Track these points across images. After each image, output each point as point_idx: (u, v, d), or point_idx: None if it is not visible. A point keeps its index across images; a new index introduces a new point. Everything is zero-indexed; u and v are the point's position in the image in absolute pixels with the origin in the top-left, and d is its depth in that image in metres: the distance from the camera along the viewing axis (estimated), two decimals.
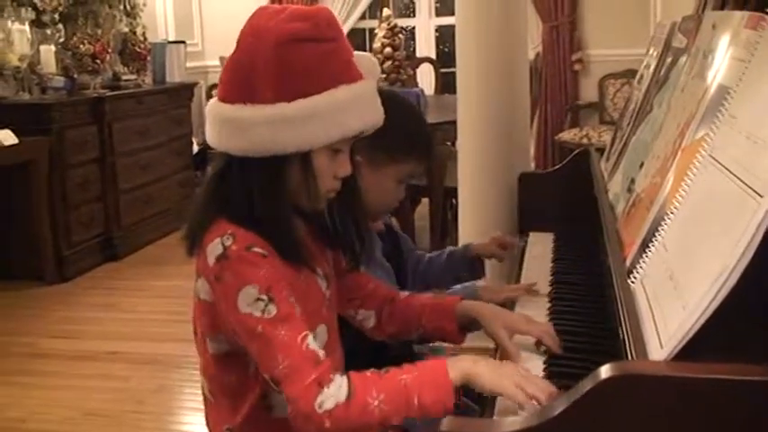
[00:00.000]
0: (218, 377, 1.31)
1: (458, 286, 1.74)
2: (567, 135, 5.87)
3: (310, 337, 1.18)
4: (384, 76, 4.80)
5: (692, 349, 0.84)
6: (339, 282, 1.43)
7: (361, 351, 1.50)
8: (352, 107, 1.21)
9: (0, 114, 4.32)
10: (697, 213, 0.99)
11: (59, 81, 4.74)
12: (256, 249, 1.20)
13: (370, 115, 1.26)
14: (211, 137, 1.25)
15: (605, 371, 0.84)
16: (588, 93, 6.21)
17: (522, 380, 1.11)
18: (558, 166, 2.31)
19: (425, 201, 4.57)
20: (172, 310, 3.93)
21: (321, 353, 1.17)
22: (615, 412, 0.84)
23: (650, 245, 1.10)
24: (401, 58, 4.83)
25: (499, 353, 1.36)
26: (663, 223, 1.08)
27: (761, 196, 0.82)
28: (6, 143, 4.17)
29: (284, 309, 1.18)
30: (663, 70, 1.67)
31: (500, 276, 2.25)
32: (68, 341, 3.71)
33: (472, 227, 2.58)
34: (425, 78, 6.28)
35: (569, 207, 2.08)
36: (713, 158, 1.00)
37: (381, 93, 1.32)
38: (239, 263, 1.19)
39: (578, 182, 2.06)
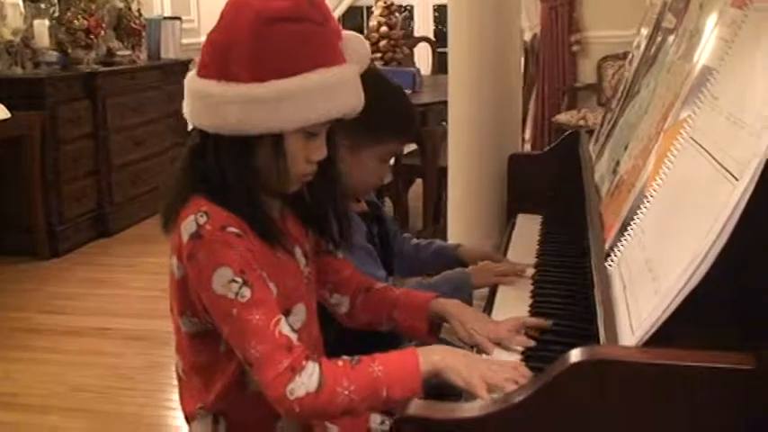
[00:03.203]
0: (191, 355, 1.31)
1: (448, 274, 1.72)
2: (564, 117, 5.84)
3: (283, 322, 1.17)
4: (380, 55, 4.77)
5: (663, 335, 0.83)
6: (317, 263, 1.42)
7: (348, 338, 1.50)
8: (328, 92, 1.19)
9: None
10: (675, 197, 0.97)
11: (53, 56, 4.70)
12: (231, 229, 1.19)
13: (348, 100, 1.24)
14: (186, 111, 1.24)
15: (573, 356, 0.83)
16: (586, 74, 6.17)
17: (491, 374, 1.11)
18: (548, 148, 2.30)
19: (420, 181, 4.55)
20: (163, 287, 3.83)
21: (294, 337, 1.17)
22: (582, 398, 0.83)
23: (629, 228, 1.08)
24: (397, 36, 4.79)
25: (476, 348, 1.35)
26: (642, 206, 1.07)
27: (737, 179, 0.80)
28: None
29: (258, 292, 1.17)
30: (652, 51, 1.65)
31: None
32: (59, 316, 3.71)
33: (461, 209, 2.57)
34: (423, 58, 6.23)
35: (558, 189, 2.07)
36: (694, 141, 0.98)
37: (364, 72, 1.30)
38: (213, 243, 1.18)
39: (568, 164, 2.04)
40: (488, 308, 1.53)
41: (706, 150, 0.92)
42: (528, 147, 5.99)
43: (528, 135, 6.11)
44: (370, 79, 1.35)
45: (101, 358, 3.26)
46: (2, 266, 4.33)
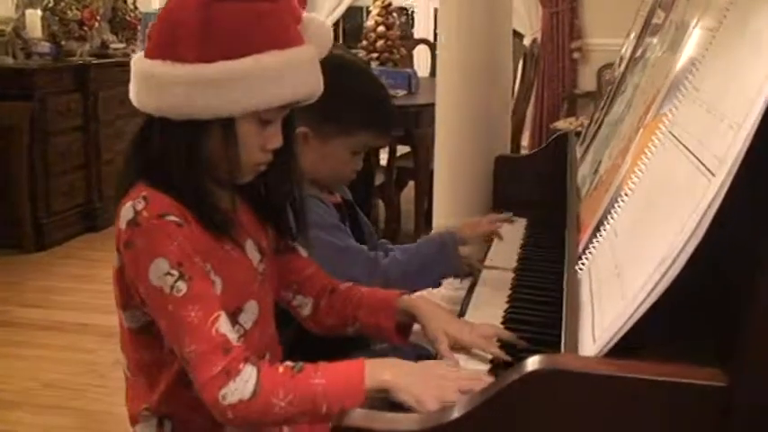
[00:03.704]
0: (134, 353, 1.23)
1: (431, 234, 1.63)
2: (563, 124, 5.76)
3: (223, 320, 1.10)
4: (376, 55, 4.70)
5: (626, 345, 0.74)
6: (278, 261, 1.34)
7: (310, 339, 1.42)
8: (280, 75, 1.12)
9: None
10: (650, 195, 0.90)
11: (45, 47, 4.65)
12: (170, 218, 1.11)
13: (304, 85, 1.16)
14: (131, 94, 1.17)
15: (526, 365, 0.75)
16: (586, 82, 6.10)
17: (443, 392, 1.01)
18: (535, 150, 2.22)
19: (413, 184, 4.47)
20: None
21: (234, 337, 1.10)
22: (533, 411, 0.75)
23: (602, 229, 1.01)
24: (394, 37, 4.71)
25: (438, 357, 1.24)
26: (615, 206, 0.99)
27: (713, 175, 0.72)
28: None
29: (197, 286, 1.10)
30: (640, 51, 1.58)
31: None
32: (40, 311, 3.64)
33: (447, 209, 2.50)
34: (423, 61, 6.16)
35: (544, 192, 1.99)
36: (672, 135, 0.91)
37: (333, 58, 1.23)
38: (150, 231, 1.11)
39: (556, 166, 1.97)
40: (461, 312, 1.45)
41: (684, 145, 0.85)
42: (525, 153, 5.92)
43: (526, 141, 6.04)
44: (338, 67, 1.28)
45: (76, 354, 3.20)
46: None
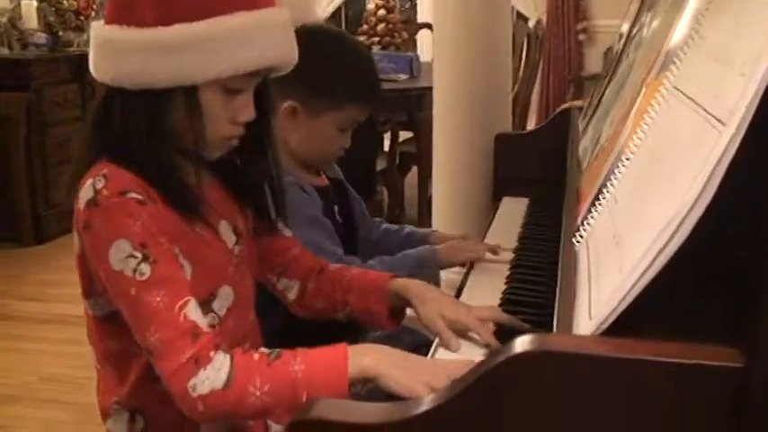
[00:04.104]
0: (101, 343, 1.15)
1: (411, 251, 1.54)
2: (569, 106, 5.66)
3: (192, 305, 1.01)
4: (377, 39, 4.60)
5: (626, 323, 0.65)
6: (259, 243, 1.26)
7: (300, 324, 1.34)
8: (248, 37, 1.03)
9: None
10: (653, 155, 0.81)
11: (41, 37, 4.61)
12: (132, 195, 1.03)
13: (275, 49, 1.07)
14: (90, 63, 1.09)
15: (516, 346, 0.66)
16: (592, 64, 5.98)
17: (436, 379, 0.93)
18: (537, 126, 2.13)
19: (416, 169, 4.39)
20: None
21: (204, 323, 1.01)
22: (523, 397, 0.66)
23: (600, 197, 0.92)
24: (395, 21, 4.61)
25: (436, 344, 1.14)
26: (616, 171, 0.90)
27: (724, 125, 0.63)
28: None
29: (162, 269, 1.01)
30: (637, 27, 1.48)
31: None
32: (39, 304, 3.60)
33: (446, 192, 2.41)
34: (425, 45, 6.06)
35: (547, 169, 1.90)
36: (677, 90, 0.82)
37: (315, 29, 1.15)
38: (111, 210, 1.02)
39: (558, 143, 1.87)
40: (457, 294, 1.37)
41: (690, 98, 0.75)
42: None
43: (532, 124, 5.95)
44: (322, 37, 1.20)
45: (76, 348, 3.12)
46: None
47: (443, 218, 2.45)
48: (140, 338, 1.01)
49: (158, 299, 0.99)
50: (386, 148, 4.34)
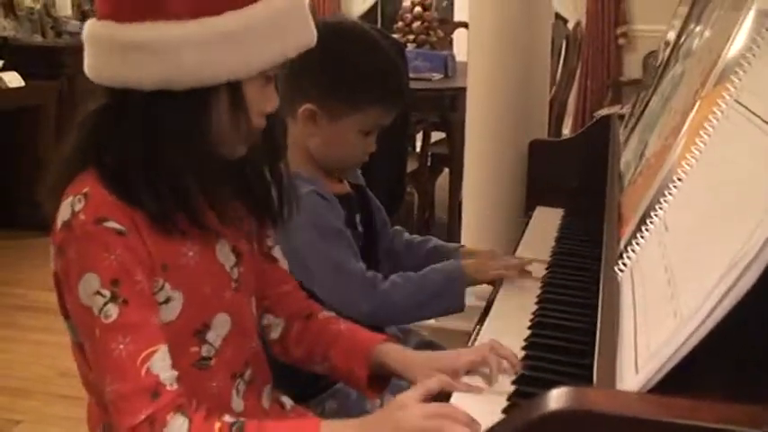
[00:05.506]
0: (81, 368, 1.06)
1: (438, 265, 1.45)
2: (607, 112, 5.54)
3: (158, 356, 0.92)
4: (413, 36, 4.52)
5: (680, 379, 0.56)
6: (257, 267, 1.16)
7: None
8: (290, 20, 0.98)
9: (10, 56, 4.17)
10: (711, 180, 0.72)
11: (75, 26, 4.61)
12: (110, 224, 0.93)
13: (307, 33, 1.01)
14: (96, 66, 0.98)
15: (550, 402, 0.56)
16: (632, 69, 5.87)
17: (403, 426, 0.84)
18: (575, 133, 2.04)
19: (447, 171, 4.31)
20: None
21: (167, 377, 0.91)
22: None
23: (648, 221, 0.82)
24: (431, 18, 4.53)
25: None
26: (666, 193, 0.80)
27: None
28: (11, 85, 4.02)
29: (131, 312, 0.92)
30: (685, 36, 1.38)
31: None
32: None
33: (477, 198, 2.33)
34: (462, 45, 5.97)
35: (584, 179, 1.81)
36: (739, 104, 0.72)
37: (332, 24, 1.07)
38: (84, 240, 0.93)
39: (597, 151, 1.78)
40: (484, 316, 1.28)
41: (756, 115, 0.66)
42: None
43: (568, 129, 5.84)
44: (341, 34, 1.12)
45: None
46: (13, 241, 4.18)
47: (473, 225, 2.37)
48: (99, 383, 0.93)
49: (121, 346, 0.90)
50: (417, 148, 4.26)
